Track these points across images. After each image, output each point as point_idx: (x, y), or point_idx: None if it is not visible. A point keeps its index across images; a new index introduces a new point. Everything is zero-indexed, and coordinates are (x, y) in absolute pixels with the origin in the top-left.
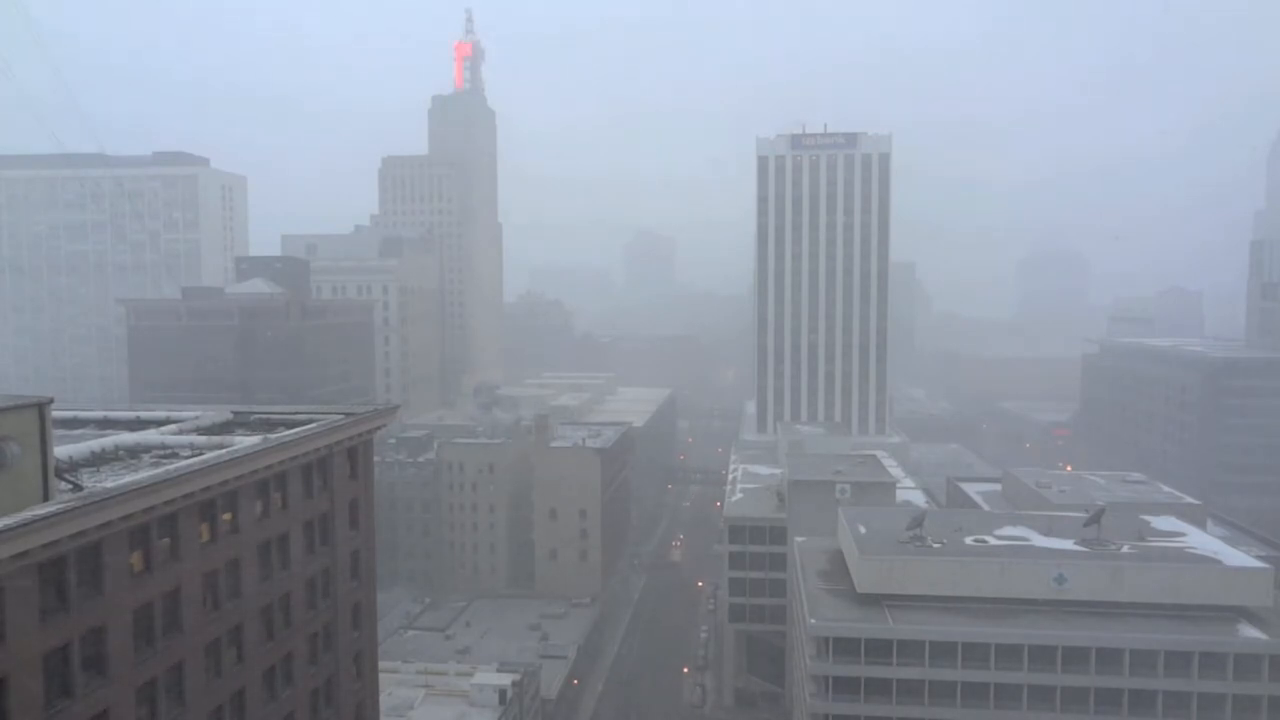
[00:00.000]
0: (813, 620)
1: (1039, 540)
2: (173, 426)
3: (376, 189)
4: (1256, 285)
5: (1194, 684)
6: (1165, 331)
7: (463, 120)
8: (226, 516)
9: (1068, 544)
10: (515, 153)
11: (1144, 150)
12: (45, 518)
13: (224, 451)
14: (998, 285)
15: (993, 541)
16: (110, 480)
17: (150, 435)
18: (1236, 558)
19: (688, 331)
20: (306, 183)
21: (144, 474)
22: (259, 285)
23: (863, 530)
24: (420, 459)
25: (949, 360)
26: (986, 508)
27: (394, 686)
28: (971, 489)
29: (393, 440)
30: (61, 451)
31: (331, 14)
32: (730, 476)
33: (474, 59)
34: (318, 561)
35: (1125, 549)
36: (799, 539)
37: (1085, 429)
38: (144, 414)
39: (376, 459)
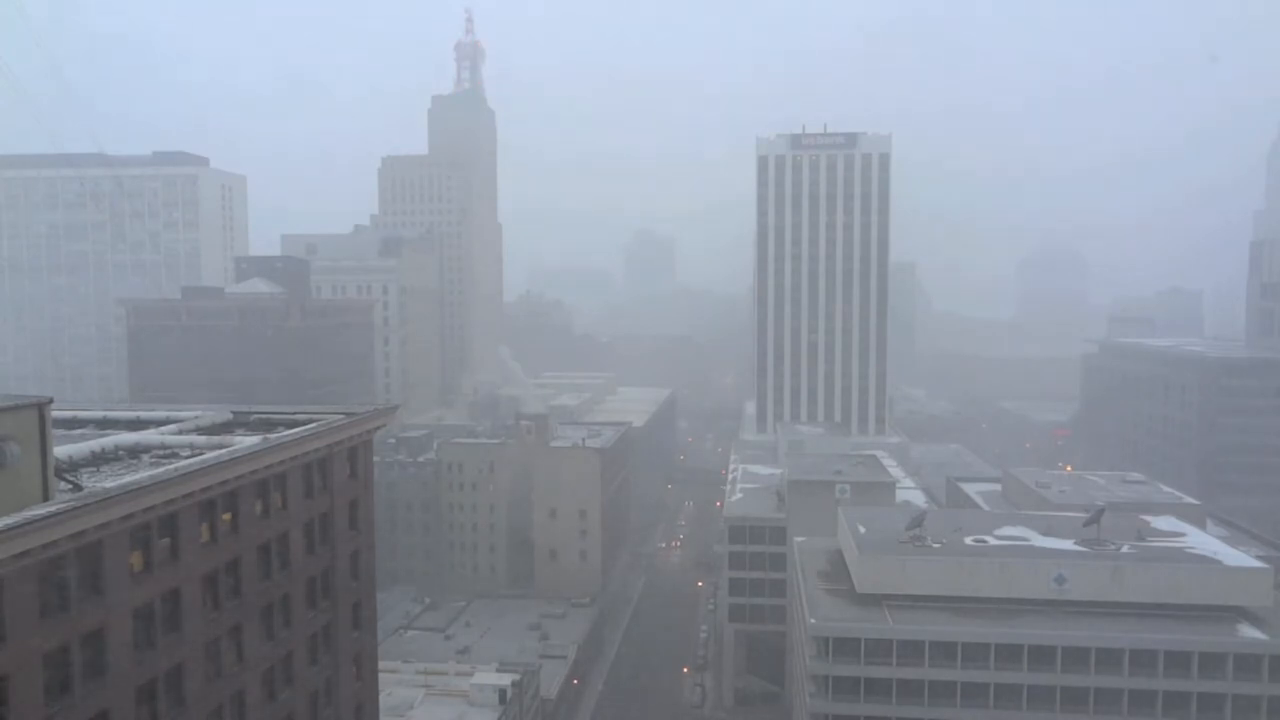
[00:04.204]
0: (813, 620)
1: (1039, 540)
2: (173, 426)
3: (376, 189)
4: (1256, 285)
5: (1194, 684)
6: (1165, 331)
7: (463, 120)
8: (226, 516)
9: (1067, 544)
10: (515, 147)
11: (1144, 149)
12: (45, 518)
13: (224, 451)
14: (998, 285)
15: (993, 541)
16: (110, 480)
17: (150, 435)
18: (1236, 558)
19: (688, 331)
20: (306, 182)
21: (144, 474)
22: (259, 285)
23: (863, 530)
24: (420, 459)
25: (949, 360)
26: (986, 508)
27: (394, 686)
28: (971, 489)
29: (393, 440)
30: (61, 451)
31: (331, 13)
32: (730, 476)
33: (474, 59)
34: (318, 561)
35: (1125, 549)
36: (799, 539)
37: (1085, 429)
38: (144, 414)
39: (376, 459)
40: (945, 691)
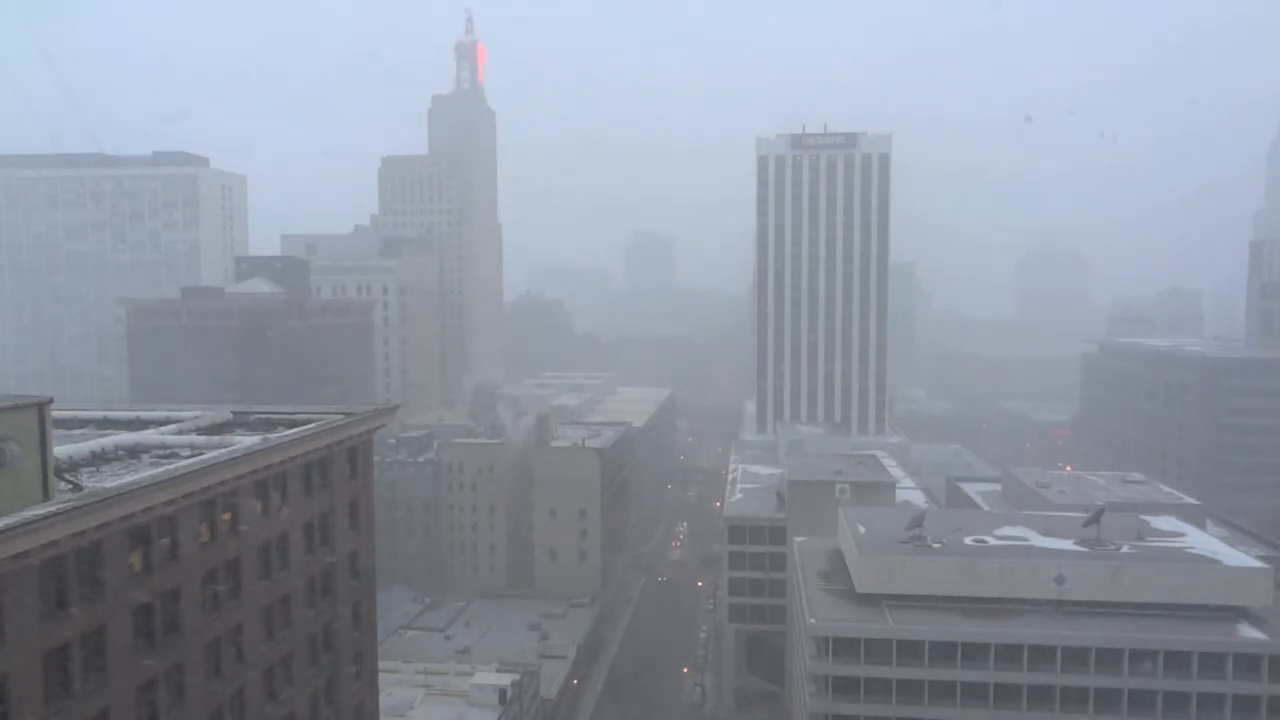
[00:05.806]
0: (812, 620)
1: (1039, 540)
2: (173, 426)
3: (376, 189)
4: (1256, 285)
5: (1193, 684)
6: (1165, 331)
7: (463, 120)
8: (226, 516)
9: (1067, 544)
10: (515, 147)
11: (1144, 150)
12: (45, 518)
13: (224, 451)
14: (998, 285)
15: (993, 541)
16: (110, 480)
17: (150, 435)
18: (1236, 558)
19: (688, 331)
20: (306, 182)
21: (144, 474)
22: (259, 285)
23: (863, 530)
24: (420, 459)
25: (949, 360)
26: (986, 508)
27: (394, 686)
28: (971, 489)
29: (393, 440)
30: (61, 451)
31: (331, 13)
32: (730, 476)
33: (473, 59)
34: (318, 561)
35: (1125, 549)
36: (799, 539)
37: (1085, 429)
38: (144, 414)
39: (376, 459)
40: (945, 691)
